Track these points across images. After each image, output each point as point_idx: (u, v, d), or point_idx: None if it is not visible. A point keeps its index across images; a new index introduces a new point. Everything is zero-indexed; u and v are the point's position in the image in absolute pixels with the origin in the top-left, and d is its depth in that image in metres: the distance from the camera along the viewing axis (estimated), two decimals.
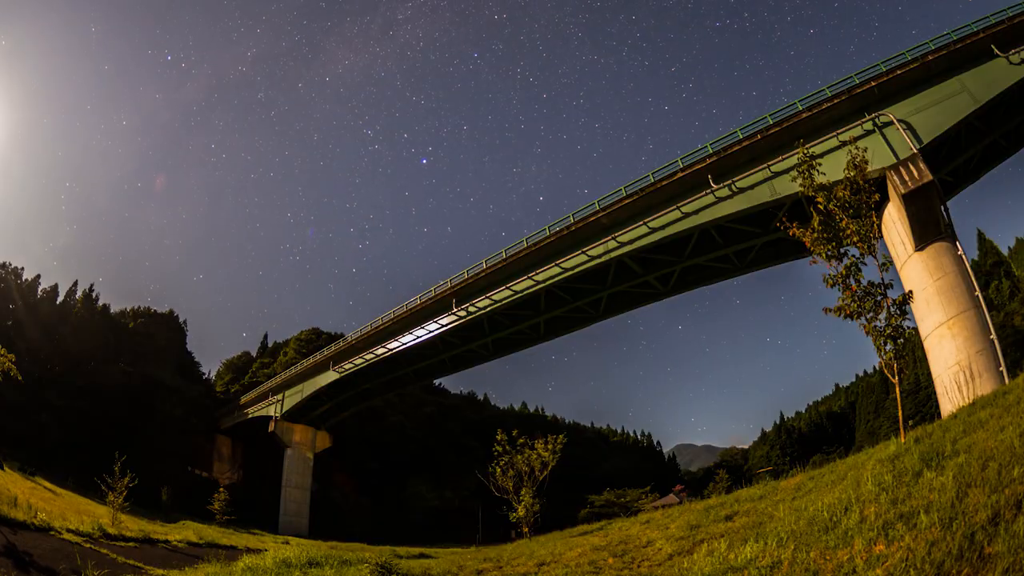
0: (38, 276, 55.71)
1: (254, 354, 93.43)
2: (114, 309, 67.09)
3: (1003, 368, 18.49)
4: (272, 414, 56.49)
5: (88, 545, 11.78)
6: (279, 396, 56.72)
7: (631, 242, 30.53)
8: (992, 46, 22.72)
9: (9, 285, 51.97)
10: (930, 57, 23.42)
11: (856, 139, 23.78)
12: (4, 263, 52.82)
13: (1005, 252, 64.10)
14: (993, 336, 19.08)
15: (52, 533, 12.00)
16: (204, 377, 78.88)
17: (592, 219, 31.62)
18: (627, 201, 30.31)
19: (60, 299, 58.39)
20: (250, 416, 60.66)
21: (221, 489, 42.51)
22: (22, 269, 53.94)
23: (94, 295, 62.60)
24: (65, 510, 21.21)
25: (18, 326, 49.64)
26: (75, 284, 61.49)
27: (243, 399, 63.95)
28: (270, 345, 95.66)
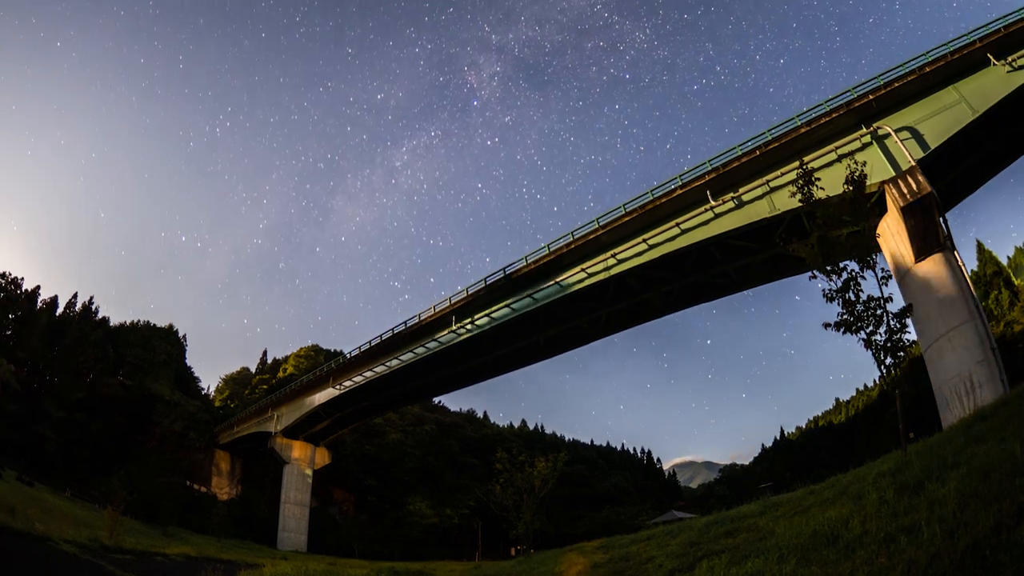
0: (38, 287, 55.75)
1: (253, 370, 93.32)
2: (114, 322, 67.27)
3: (1003, 378, 18.43)
4: (271, 430, 56.15)
5: (86, 557, 11.67)
6: (278, 412, 56.42)
7: (630, 259, 30.43)
8: (988, 55, 22.72)
9: (9, 296, 51.90)
10: (927, 69, 23.42)
11: (854, 152, 23.92)
12: (4, 273, 52.78)
13: (1004, 262, 63.87)
14: (993, 347, 19.04)
15: (50, 544, 11.90)
16: (203, 392, 78.59)
17: (592, 237, 31.51)
18: (627, 219, 30.20)
19: (60, 311, 58.43)
20: (249, 432, 60.27)
21: (219, 504, 42.17)
22: (22, 279, 53.98)
23: (93, 307, 62.71)
24: (63, 521, 21.00)
25: (17, 336, 49.53)
26: (75, 296, 61.71)
27: (242, 414, 63.59)
28: (270, 361, 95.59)
